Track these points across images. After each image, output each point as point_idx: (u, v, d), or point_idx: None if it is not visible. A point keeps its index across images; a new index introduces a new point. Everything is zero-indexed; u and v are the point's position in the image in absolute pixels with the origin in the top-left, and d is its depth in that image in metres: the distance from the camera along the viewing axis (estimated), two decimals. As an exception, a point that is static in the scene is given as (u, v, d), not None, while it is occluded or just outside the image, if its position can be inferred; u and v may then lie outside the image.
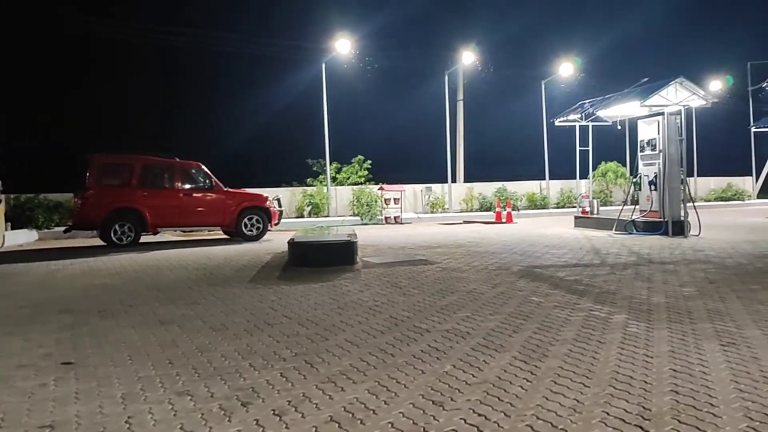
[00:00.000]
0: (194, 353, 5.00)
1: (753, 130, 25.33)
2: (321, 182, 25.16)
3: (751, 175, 32.03)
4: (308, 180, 26.40)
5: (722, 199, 29.72)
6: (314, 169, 26.66)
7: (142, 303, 7.29)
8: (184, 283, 8.84)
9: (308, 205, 23.22)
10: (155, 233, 15.22)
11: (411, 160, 35.54)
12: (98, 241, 14.82)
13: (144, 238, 15.01)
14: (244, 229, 15.29)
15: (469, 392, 3.90)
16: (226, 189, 15.41)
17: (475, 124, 33.52)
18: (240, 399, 3.89)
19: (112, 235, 14.20)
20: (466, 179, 29.19)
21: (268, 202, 15.74)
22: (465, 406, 3.67)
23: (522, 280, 8.26)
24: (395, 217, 21.41)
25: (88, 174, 14.27)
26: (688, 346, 4.79)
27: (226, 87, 40.31)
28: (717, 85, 31.17)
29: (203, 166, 15.33)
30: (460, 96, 30.08)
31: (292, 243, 10.52)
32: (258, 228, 15.44)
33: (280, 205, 16.52)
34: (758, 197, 31.03)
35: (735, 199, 29.76)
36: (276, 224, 16.02)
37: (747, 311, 6.00)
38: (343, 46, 23.77)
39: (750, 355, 4.54)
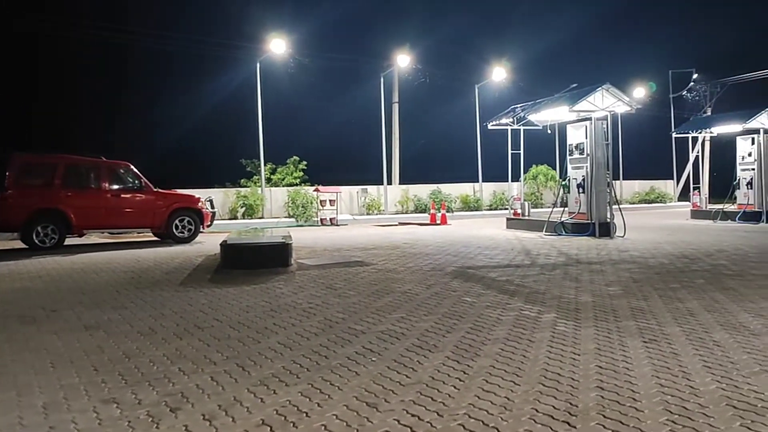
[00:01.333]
0: (121, 359, 4.83)
1: (674, 135, 26.53)
2: (255, 183, 24.83)
3: (673, 179, 33.53)
4: (242, 181, 26.00)
5: (646, 201, 30.99)
6: (248, 169, 26.28)
7: (65, 307, 6.99)
8: (111, 286, 8.54)
9: (242, 207, 22.86)
10: (81, 235, 14.65)
11: (347, 161, 35.55)
12: (20, 244, 14.14)
13: (69, 241, 14.42)
14: (175, 231, 14.90)
15: (402, 393, 3.91)
16: (156, 189, 14.98)
17: (410, 126, 33.84)
18: (169, 405, 3.78)
19: (34, 237, 13.56)
20: (402, 181, 29.40)
21: (200, 204, 15.39)
22: (399, 406, 3.68)
23: (456, 281, 8.37)
24: (331, 219, 21.34)
25: (7, 173, 13.59)
26: (613, 344, 4.96)
27: (157, 86, 39.28)
28: (641, 91, 32.53)
29: (132, 166, 14.85)
30: (396, 98, 30.28)
31: (224, 245, 10.33)
32: (189, 230, 15.07)
33: (212, 207, 16.18)
34: (679, 200, 32.51)
35: (658, 202, 31.10)
36: (208, 226, 15.68)
37: (668, 309, 6.26)
38: (277, 45, 23.55)
39: (670, 350, 4.73)
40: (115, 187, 14.63)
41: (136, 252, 13.13)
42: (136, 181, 14.77)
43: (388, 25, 46.85)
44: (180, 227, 14.96)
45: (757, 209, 18.83)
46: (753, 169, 19.22)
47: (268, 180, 25.43)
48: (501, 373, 4.27)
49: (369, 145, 29.99)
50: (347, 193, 24.95)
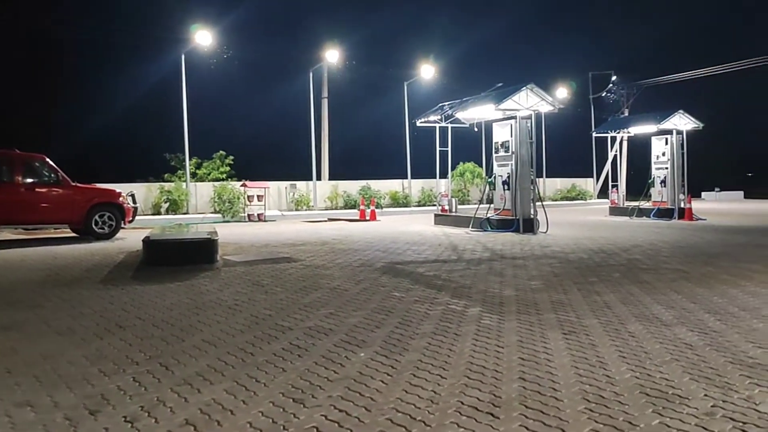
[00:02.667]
0: (37, 360, 4.61)
1: (594, 135, 27.54)
2: (180, 178, 24.17)
3: (593, 177, 34.84)
4: (166, 176, 25.24)
5: (567, 198, 32.07)
6: (172, 164, 25.55)
7: (-27, 308, 6.62)
8: (26, 284, 8.14)
9: (166, 202, 22.23)
10: (-9, 231, 13.89)
11: (276, 157, 35.17)
12: None
13: (-23, 237, 13.66)
14: (94, 226, 14.33)
15: (330, 388, 3.91)
16: (74, 184, 14.35)
17: (340, 122, 33.77)
18: (88, 407, 3.64)
19: (-62, 233, 12.77)
20: (332, 177, 29.31)
21: (121, 198, 14.84)
22: (326, 402, 3.67)
23: (384, 277, 8.42)
24: (258, 215, 21.05)
25: None
26: (535, 336, 5.12)
27: (77, 76, 37.64)
28: (563, 92, 33.60)
29: (48, 159, 14.17)
30: (325, 93, 30.13)
31: (147, 241, 10.03)
32: (110, 225, 14.52)
33: (134, 202, 15.65)
34: (598, 197, 33.81)
35: (579, 199, 32.23)
36: (130, 221, 15.15)
37: (586, 302, 6.51)
38: (203, 37, 22.98)
39: (588, 342, 4.92)
40: (30, 180, 13.94)
41: (53, 249, 12.56)
42: (53, 175, 14.11)
43: (317, 20, 46.58)
44: (100, 223, 14.40)
45: (670, 206, 19.82)
46: (666, 168, 20.22)
47: (194, 175, 24.81)
48: (428, 366, 4.33)
49: (298, 141, 29.78)
50: (275, 188, 24.67)
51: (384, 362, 4.45)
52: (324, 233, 15.57)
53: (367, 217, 20.84)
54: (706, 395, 3.69)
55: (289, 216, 22.65)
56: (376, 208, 22.29)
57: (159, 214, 21.92)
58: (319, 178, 27.10)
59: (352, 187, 26.41)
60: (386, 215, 23.02)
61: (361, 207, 21.72)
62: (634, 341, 4.92)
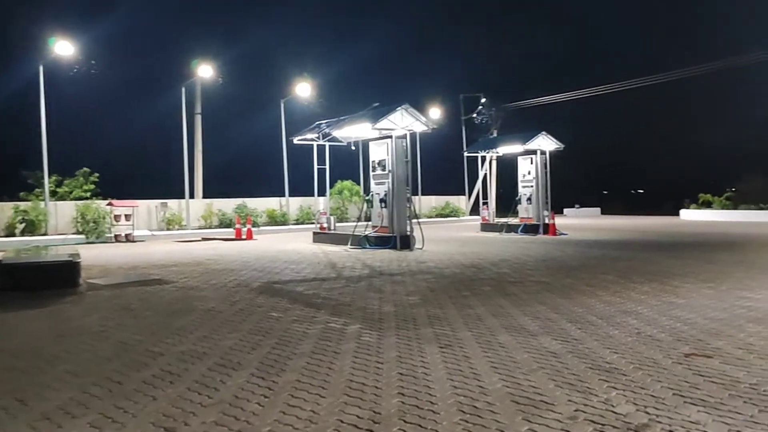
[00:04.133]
0: None
1: (465, 154, 28.69)
2: (37, 197, 22.46)
3: (465, 194, 36.20)
4: (21, 194, 23.35)
5: (442, 215, 33.07)
6: (29, 182, 23.70)
7: None
8: None
9: (21, 222, 20.55)
10: None
11: (146, 174, 33.65)
12: None
13: None
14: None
15: (204, 414, 3.76)
16: None
17: (215, 139, 32.96)
18: (-76, 452, 3.26)
19: None
20: (206, 195, 28.43)
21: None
22: (200, 429, 3.53)
23: (261, 296, 8.26)
24: (126, 235, 19.98)
25: None
26: (413, 351, 5.21)
27: None
28: (437, 113, 34.77)
29: None
30: (199, 109, 29.30)
31: (0, 264, 9.22)
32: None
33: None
34: (470, 214, 35.12)
35: (452, 216, 33.33)
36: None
37: (460, 315, 6.73)
38: (64, 48, 21.62)
39: (462, 354, 5.08)
40: None
41: None
42: None
43: (191, 35, 45.34)
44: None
45: (535, 222, 20.98)
46: (532, 186, 21.42)
47: (54, 193, 23.15)
48: (307, 386, 4.28)
49: (170, 158, 28.67)
50: (145, 207, 23.55)
51: (261, 384, 4.35)
52: (197, 253, 15.04)
53: (244, 236, 20.39)
54: (569, 400, 3.91)
55: (160, 236, 21.68)
56: (253, 226, 21.86)
57: (13, 235, 20.22)
58: (192, 196, 26.19)
59: (227, 205, 25.74)
60: (263, 234, 22.64)
61: (237, 226, 21.22)
62: (504, 352, 5.13)
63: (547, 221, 20.69)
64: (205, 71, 26.05)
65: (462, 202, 35.80)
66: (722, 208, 31.04)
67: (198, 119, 29.23)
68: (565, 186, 40.00)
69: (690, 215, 31.62)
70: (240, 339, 5.75)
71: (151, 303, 7.88)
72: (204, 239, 20.35)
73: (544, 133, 21.24)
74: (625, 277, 9.60)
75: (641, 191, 62.79)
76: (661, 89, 34.85)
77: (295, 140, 19.36)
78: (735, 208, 30.90)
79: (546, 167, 21.43)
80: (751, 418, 3.57)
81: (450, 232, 22.96)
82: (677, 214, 32.84)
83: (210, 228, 24.59)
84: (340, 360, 4.95)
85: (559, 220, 22.83)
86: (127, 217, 20.31)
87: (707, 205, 31.89)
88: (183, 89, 25.44)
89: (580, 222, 29.57)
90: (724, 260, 11.81)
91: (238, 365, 4.85)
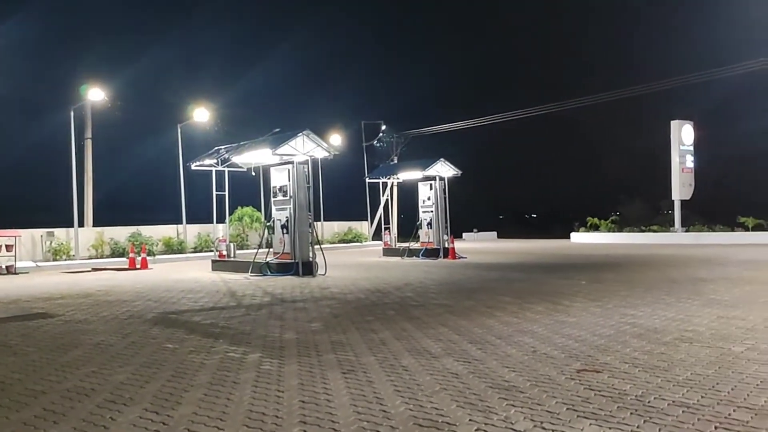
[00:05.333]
0: None
1: (367, 180, 28.94)
2: None
3: (367, 220, 36.45)
4: None
5: (344, 241, 33.08)
6: None
7: None
8: None
9: None
10: None
11: (30, 202, 31.63)
12: None
13: None
14: None
15: (91, 455, 3.51)
16: None
17: (107, 164, 31.55)
18: None
19: None
20: (97, 223, 27.00)
21: None
22: (86, 471, 3.29)
23: (156, 328, 7.90)
24: (7, 267, 18.61)
25: None
26: (315, 378, 5.13)
27: None
28: (338, 139, 34.96)
29: None
30: (89, 134, 27.95)
31: None
32: None
33: None
34: (373, 239, 35.37)
35: (355, 241, 33.41)
36: None
37: (363, 340, 6.71)
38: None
39: (366, 379, 5.05)
40: None
41: None
42: None
43: (80, 56, 43.44)
44: None
45: (436, 246, 21.39)
46: (432, 212, 21.87)
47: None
48: (204, 419, 4.11)
49: (58, 184, 27.13)
50: (29, 236, 22.07)
51: (154, 419, 4.13)
52: (87, 284, 14.22)
53: (138, 266, 19.49)
54: (470, 420, 3.97)
55: (46, 267, 20.35)
56: (148, 255, 20.96)
57: None
58: (81, 224, 24.83)
59: (120, 233, 24.55)
60: (160, 263, 21.76)
61: (131, 255, 20.27)
62: (407, 375, 5.15)
63: (447, 245, 21.15)
64: (95, 94, 24.96)
65: (364, 227, 36.02)
66: (608, 231, 32.93)
67: (88, 144, 27.87)
68: (464, 211, 41.22)
69: (579, 238, 33.32)
70: (132, 373, 5.46)
71: (33, 338, 7.34)
72: (95, 270, 19.29)
73: (442, 159, 21.82)
74: (521, 297, 9.93)
75: (534, 216, 65.74)
76: (554, 118, 36.83)
77: (193, 166, 18.83)
78: (620, 230, 32.87)
79: (445, 193, 21.97)
80: (637, 428, 3.75)
81: (353, 257, 22.99)
82: (568, 237, 34.52)
83: (102, 258, 23.35)
84: (239, 390, 4.80)
85: (458, 244, 23.39)
86: (9, 247, 18.93)
87: (595, 228, 33.73)
88: (71, 113, 24.23)
89: (479, 245, 30.46)
90: (610, 279, 12.49)
91: (130, 401, 4.59)
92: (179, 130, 27.04)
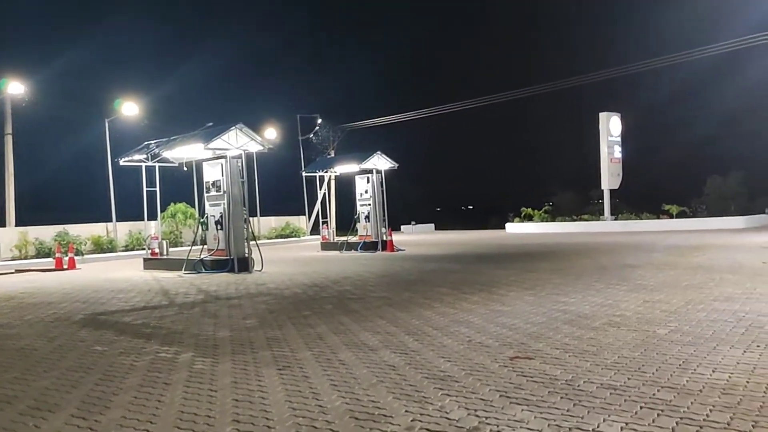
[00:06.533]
0: None
1: (304, 174, 28.75)
2: None
3: (305, 214, 36.19)
4: None
5: (282, 236, 32.73)
6: None
7: None
8: None
9: None
10: None
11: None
12: None
13: None
14: None
15: (11, 466, 3.35)
16: None
17: (30, 162, 30.17)
18: None
19: None
20: (19, 223, 25.83)
21: None
22: (5, 483, 3.14)
23: (84, 330, 7.62)
24: None
25: None
26: (249, 375, 5.05)
27: None
28: (273, 133, 34.52)
29: None
30: (9, 129, 26.66)
31: None
32: None
33: None
34: (311, 233, 35.12)
35: (293, 236, 33.10)
36: None
37: (300, 335, 6.65)
38: None
39: (302, 374, 5.00)
40: None
41: None
42: None
43: (-1, 48, 41.38)
44: None
45: (374, 239, 21.44)
46: (370, 204, 21.89)
47: None
48: (133, 423, 3.98)
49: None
50: (-54, 238, 20.94)
51: (81, 425, 3.98)
52: (10, 287, 13.58)
53: (65, 266, 18.74)
54: (407, 411, 3.98)
55: (-36, 270, 19.34)
56: (76, 255, 20.20)
57: None
58: (3, 224, 23.72)
59: (46, 233, 23.55)
60: (89, 263, 20.99)
61: (57, 255, 19.48)
62: (344, 369, 5.13)
63: (385, 238, 21.23)
64: (15, 88, 23.85)
65: (302, 222, 35.74)
66: (542, 221, 33.79)
67: (8, 140, 26.59)
68: (402, 204, 41.48)
69: (514, 228, 34.04)
70: (58, 378, 5.24)
71: (-51, 345, 6.96)
72: (19, 271, 18.44)
73: (379, 152, 21.87)
74: (458, 288, 10.06)
75: (471, 207, 66.83)
76: (490, 111, 37.45)
77: (122, 162, 18.22)
78: (553, 220, 33.79)
79: (382, 185, 22.04)
80: (567, 412, 3.85)
81: (291, 252, 22.80)
82: (503, 228, 35.22)
83: (26, 259, 22.35)
84: (170, 391, 4.67)
85: (396, 237, 23.53)
86: None
87: (529, 218, 34.54)
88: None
89: (417, 238, 30.71)
90: (543, 268, 12.80)
91: (56, 407, 4.41)
92: (107, 125, 26.14)
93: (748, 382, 4.30)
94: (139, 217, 21.91)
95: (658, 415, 3.72)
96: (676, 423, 3.58)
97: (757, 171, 37.33)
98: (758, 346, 5.29)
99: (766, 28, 24.86)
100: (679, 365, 4.81)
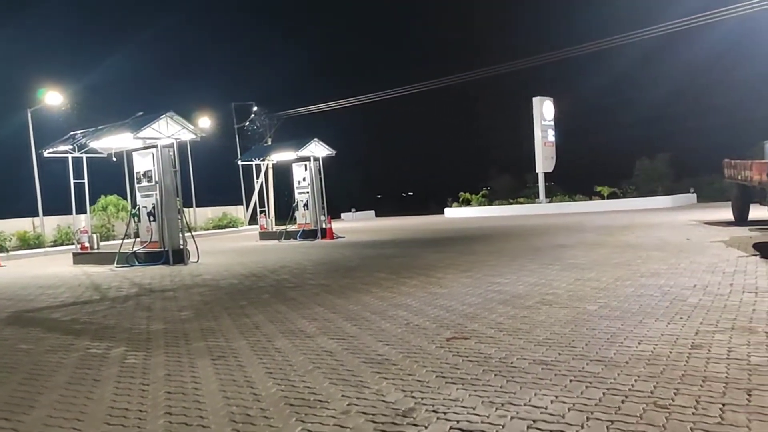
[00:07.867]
0: None
1: (240, 163, 28.20)
2: None
3: (243, 204, 35.63)
4: None
5: (219, 227, 32.16)
6: None
7: None
8: None
9: None
10: None
11: None
12: None
13: None
14: None
15: (-75, 473, 3.18)
16: None
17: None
18: None
19: None
20: (-62, 220, 24.50)
21: None
22: None
23: (9, 328, 7.30)
24: None
25: None
26: (183, 367, 4.94)
27: None
28: (207, 121, 33.77)
29: None
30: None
31: None
32: None
33: None
34: (249, 223, 34.65)
35: (231, 227, 32.57)
36: None
37: (236, 325, 6.55)
38: None
39: (237, 364, 4.93)
40: None
41: None
42: None
43: None
44: None
45: (313, 227, 21.31)
46: (308, 192, 21.73)
47: None
48: (60, 421, 3.84)
49: None
50: None
51: (4, 426, 3.82)
52: (-72, 287, 12.88)
53: (-10, 264, 17.92)
54: (343, 395, 3.98)
55: None
56: (0, 252, 19.33)
57: None
58: None
59: (-33, 230, 22.44)
60: (15, 260, 20.10)
61: (-19, 252, 18.61)
62: (280, 356, 5.08)
63: (324, 226, 21.13)
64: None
65: (240, 212, 35.21)
66: (479, 205, 34.35)
67: None
68: (342, 191, 41.42)
69: (453, 213, 34.49)
70: (-22, 379, 5.00)
71: None
72: (-63, 271, 17.50)
73: (316, 140, 21.70)
74: (396, 273, 10.11)
75: (411, 194, 67.22)
76: (427, 96, 37.57)
77: (46, 153, 17.45)
78: (490, 204, 34.40)
79: (320, 173, 21.89)
80: (500, 388, 3.92)
81: (228, 243, 22.44)
82: (442, 213, 35.63)
83: (-55, 257, 21.22)
84: (100, 387, 4.52)
85: (336, 224, 23.47)
86: None
87: (467, 202, 35.05)
88: None
89: (357, 225, 30.73)
90: (480, 251, 13.01)
91: (-25, 409, 4.20)
92: (29, 115, 24.99)
93: (671, 352, 4.49)
94: (67, 211, 21.08)
95: (587, 387, 3.84)
96: (603, 394, 3.70)
97: (683, 152, 38.98)
98: (681, 318, 5.52)
99: (696, 12, 25.77)
100: (607, 339, 4.97)
